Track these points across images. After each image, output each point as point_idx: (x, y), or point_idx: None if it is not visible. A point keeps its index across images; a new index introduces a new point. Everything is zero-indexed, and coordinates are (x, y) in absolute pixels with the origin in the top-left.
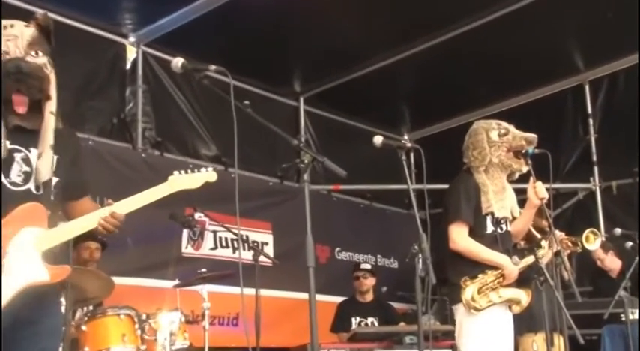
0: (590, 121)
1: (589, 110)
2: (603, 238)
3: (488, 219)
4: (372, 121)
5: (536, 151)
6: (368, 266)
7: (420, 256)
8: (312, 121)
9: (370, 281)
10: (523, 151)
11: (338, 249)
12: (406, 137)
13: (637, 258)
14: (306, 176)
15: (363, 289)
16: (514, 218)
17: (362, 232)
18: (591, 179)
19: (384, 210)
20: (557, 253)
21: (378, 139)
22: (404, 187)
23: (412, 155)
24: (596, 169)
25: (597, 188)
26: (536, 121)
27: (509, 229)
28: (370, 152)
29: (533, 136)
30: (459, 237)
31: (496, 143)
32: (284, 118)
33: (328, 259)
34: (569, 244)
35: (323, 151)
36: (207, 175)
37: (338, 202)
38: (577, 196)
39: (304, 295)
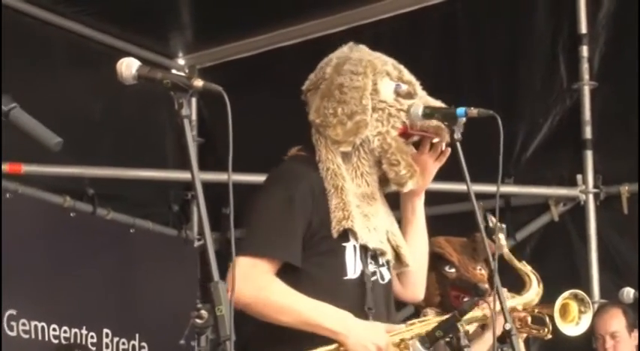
0: (585, 50)
1: (583, 28)
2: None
3: (351, 247)
4: (116, 26)
5: (474, 111)
6: None
7: (212, 330)
8: None
9: None
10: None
11: (11, 313)
12: (182, 63)
13: None
14: None
15: None
16: (398, 256)
17: (72, 274)
18: (579, 178)
19: (126, 227)
20: (505, 338)
21: (129, 65)
22: (178, 175)
23: (198, 104)
24: (589, 156)
25: (590, 197)
26: (471, 49)
27: (388, 277)
28: (111, 95)
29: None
30: (247, 277)
31: (388, 108)
32: None
33: None
34: (527, 320)
35: (10, 84)
36: None
37: (17, 203)
38: (547, 214)
39: None
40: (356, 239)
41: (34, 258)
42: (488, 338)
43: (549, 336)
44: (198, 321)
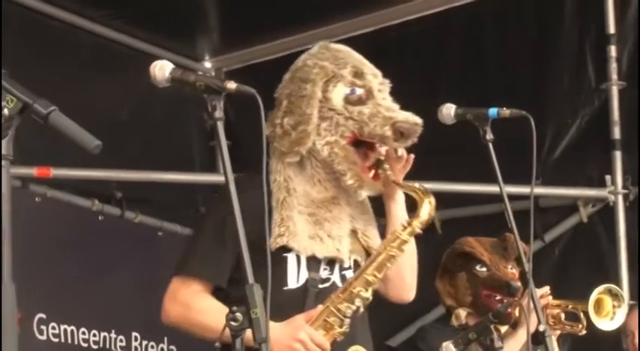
0: (613, 50)
1: (611, 28)
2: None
3: (293, 257)
4: (142, 29)
5: (506, 111)
6: None
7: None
8: (14, 16)
9: None
10: (380, 154)
11: (41, 316)
12: (208, 66)
13: None
14: (4, 145)
15: None
16: (369, 255)
17: (101, 277)
18: (608, 179)
19: (153, 230)
20: (537, 337)
21: (162, 68)
22: (205, 178)
23: (225, 107)
24: (618, 157)
25: (619, 198)
26: (492, 50)
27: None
28: (138, 98)
29: (411, 120)
30: (176, 297)
31: (336, 116)
32: None
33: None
34: (561, 317)
35: (39, 88)
36: None
37: (46, 206)
38: (576, 215)
39: None
40: (299, 251)
41: (63, 261)
42: (521, 336)
43: (584, 331)
44: (233, 323)
